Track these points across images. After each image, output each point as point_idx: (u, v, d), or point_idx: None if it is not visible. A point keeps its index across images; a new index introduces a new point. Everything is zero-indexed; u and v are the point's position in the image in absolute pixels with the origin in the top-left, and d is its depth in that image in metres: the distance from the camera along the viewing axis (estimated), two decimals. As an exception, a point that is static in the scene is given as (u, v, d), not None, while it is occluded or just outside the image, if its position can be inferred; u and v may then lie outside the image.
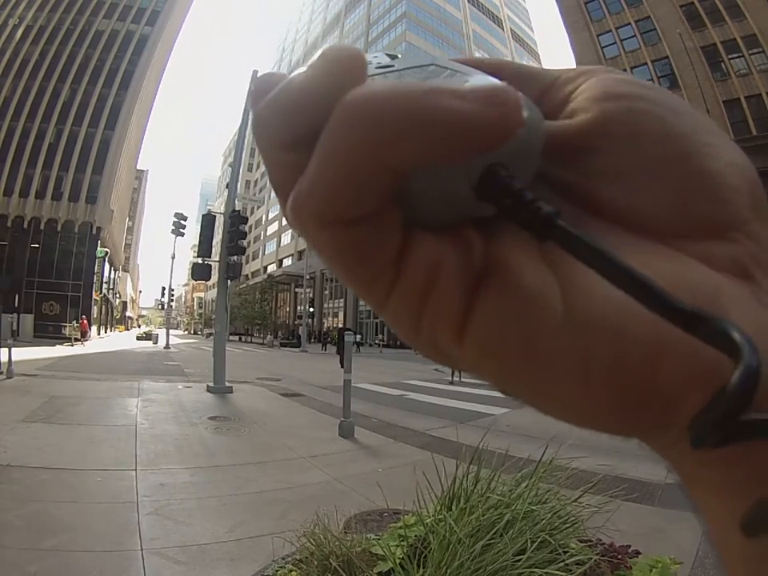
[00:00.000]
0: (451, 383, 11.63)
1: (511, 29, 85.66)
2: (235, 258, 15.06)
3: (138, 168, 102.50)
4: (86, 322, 37.01)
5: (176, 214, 24.25)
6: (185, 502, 5.10)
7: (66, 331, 35.10)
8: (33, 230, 47.96)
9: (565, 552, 2.54)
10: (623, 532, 2.95)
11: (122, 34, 55.43)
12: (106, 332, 66.72)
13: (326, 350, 41.43)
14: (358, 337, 38.56)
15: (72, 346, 31.25)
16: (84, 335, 35.94)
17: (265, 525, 4.39)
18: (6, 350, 14.06)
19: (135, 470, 6.03)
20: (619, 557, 2.70)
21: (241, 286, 75.43)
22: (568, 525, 2.79)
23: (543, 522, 2.66)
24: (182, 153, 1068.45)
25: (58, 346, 30.63)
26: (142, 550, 3.91)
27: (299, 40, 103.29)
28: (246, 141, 17.09)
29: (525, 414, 11.95)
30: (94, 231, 49.75)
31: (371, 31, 72.49)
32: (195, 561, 3.83)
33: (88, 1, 55.14)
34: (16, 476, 5.55)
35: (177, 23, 70.61)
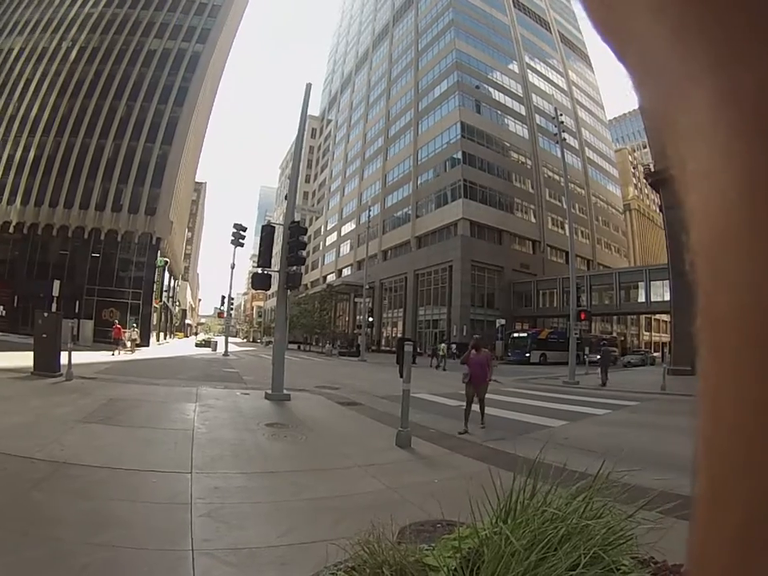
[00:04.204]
0: (465, 432, 10.80)
1: (559, 31, 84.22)
2: (295, 267, 15.21)
3: (196, 180, 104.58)
4: (119, 327, 33.21)
5: (235, 225, 24.64)
6: (238, 505, 5.16)
7: (125, 336, 34.39)
8: (93, 240, 49.34)
9: (617, 569, 2.50)
10: (677, 551, 2.87)
11: (174, 52, 56.65)
12: (165, 339, 68.02)
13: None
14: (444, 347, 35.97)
15: (113, 355, 29.41)
16: (118, 342, 32.18)
17: (317, 531, 4.40)
18: (67, 353, 14.54)
19: (191, 472, 6.13)
20: (671, 575, 2.64)
21: (300, 296, 76.05)
22: (622, 541, 2.74)
23: (597, 537, 2.63)
24: (240, 165, 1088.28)
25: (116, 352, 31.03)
26: (192, 550, 3.97)
27: (350, 51, 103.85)
28: (303, 152, 17.26)
29: (583, 427, 11.77)
30: (154, 242, 50.81)
31: (420, 41, 72.40)
32: (245, 563, 3.87)
33: (138, 22, 56.84)
34: (72, 473, 5.71)
35: (228, 38, 71.81)
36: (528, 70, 71.37)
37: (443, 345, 37.32)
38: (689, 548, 0.32)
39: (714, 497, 0.30)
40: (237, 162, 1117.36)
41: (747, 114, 0.27)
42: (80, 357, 18.19)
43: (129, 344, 33.49)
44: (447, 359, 35.05)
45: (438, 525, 4.18)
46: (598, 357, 28.95)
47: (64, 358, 14.59)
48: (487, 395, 10.94)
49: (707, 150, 0.30)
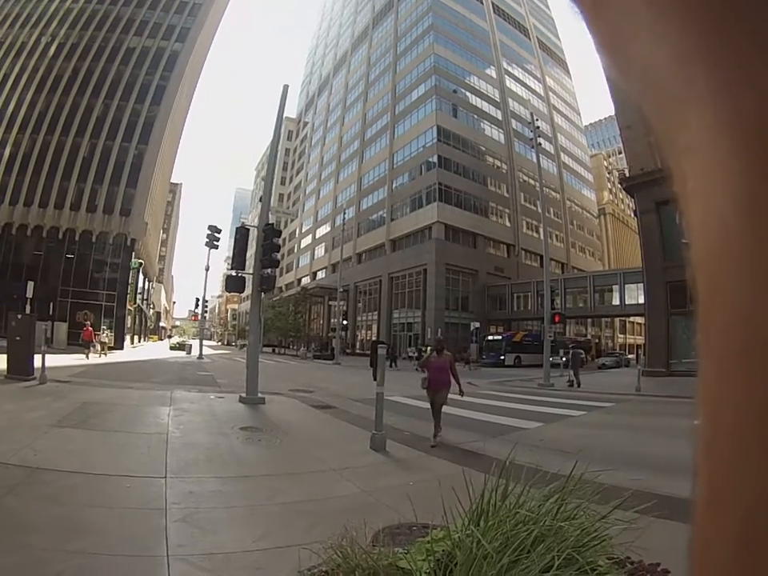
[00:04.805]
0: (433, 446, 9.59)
1: (538, 38, 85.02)
2: (269, 270, 15.14)
3: (171, 181, 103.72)
4: (90, 328, 30.76)
5: (210, 227, 24.35)
6: (213, 510, 5.12)
7: (99, 339, 33.30)
8: (68, 241, 48.70)
9: (593, 570, 2.49)
10: (653, 550, 2.88)
11: (153, 50, 56.25)
12: (139, 341, 67.34)
13: (395, 365, 37.42)
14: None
15: (87, 358, 28.24)
16: (88, 345, 30.06)
17: (293, 536, 4.38)
18: (40, 356, 14.31)
19: (165, 477, 6.08)
20: (648, 575, 2.64)
21: (275, 299, 75.81)
22: (596, 542, 2.74)
23: (571, 538, 2.62)
24: (216, 166, 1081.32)
25: (95, 355, 30.36)
26: (167, 556, 3.93)
27: (328, 54, 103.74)
28: (278, 154, 17.20)
29: (558, 428, 11.83)
30: (129, 243, 50.30)
31: (399, 44, 72.61)
32: (220, 569, 3.84)
33: (118, 19, 56.30)
34: (46, 478, 5.63)
35: (207, 38, 71.41)
36: (505, 75, 71.95)
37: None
38: (690, 550, 0.32)
39: (714, 499, 0.30)
40: (212, 163, 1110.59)
41: (749, 133, 0.28)
42: (54, 360, 17.97)
43: (98, 347, 32.31)
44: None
45: (414, 527, 4.17)
46: (563, 359, 29.49)
47: (38, 361, 14.37)
48: (462, 398, 10.49)
49: (707, 168, 0.30)
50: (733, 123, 0.28)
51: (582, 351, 25.60)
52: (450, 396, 9.93)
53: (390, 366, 35.63)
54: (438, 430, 9.56)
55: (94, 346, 30.80)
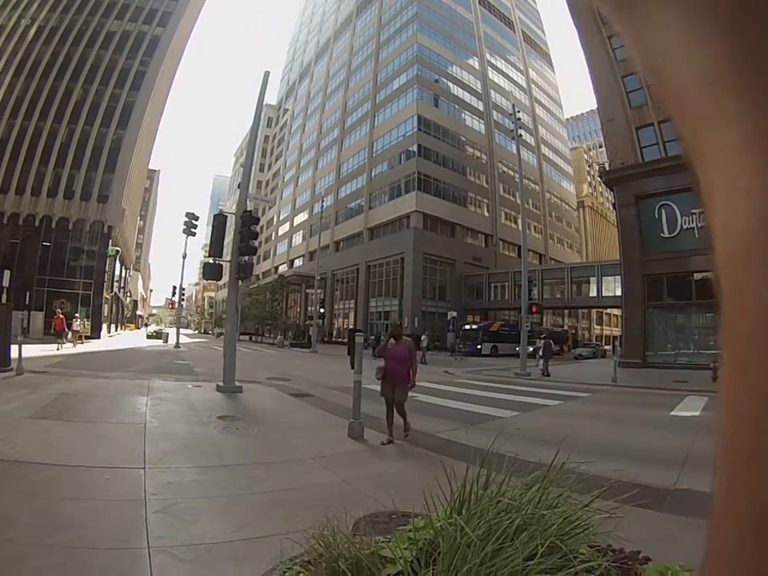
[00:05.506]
0: (390, 442, 8.52)
1: (522, 31, 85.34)
2: (246, 258, 15.05)
3: (149, 168, 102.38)
4: (61, 316, 28.98)
5: (187, 214, 24.09)
6: (193, 500, 5.08)
7: (72, 328, 32.23)
8: (44, 229, 47.76)
9: (575, 558, 2.51)
10: (633, 538, 2.90)
11: (134, 34, 55.37)
12: (116, 330, 66.67)
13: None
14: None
15: (58, 349, 26.28)
16: (60, 334, 28.48)
17: (272, 525, 4.36)
18: (17, 346, 14.11)
19: (144, 468, 6.01)
20: (629, 563, 2.66)
21: (252, 286, 75.43)
22: (579, 530, 2.76)
23: (554, 527, 2.63)
24: (194, 153, 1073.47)
25: (68, 345, 29.68)
26: (148, 548, 3.89)
27: (311, 41, 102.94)
28: (257, 141, 17.06)
29: (535, 417, 11.91)
30: (106, 230, 49.62)
31: (382, 33, 72.31)
32: (202, 560, 3.81)
33: (99, 2, 55.15)
34: (24, 472, 5.56)
35: (189, 23, 70.41)
36: (488, 67, 72.02)
37: (425, 336, 35.11)
38: (708, 540, 0.32)
39: (732, 492, 0.31)
40: (191, 149, 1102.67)
41: None
42: (30, 350, 17.75)
43: (70, 335, 30.65)
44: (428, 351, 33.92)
45: (394, 516, 4.17)
46: (531, 348, 30.02)
47: (14, 351, 14.22)
48: (440, 386, 10.27)
49: (734, 183, 0.31)
50: (761, 143, 0.29)
51: (551, 342, 26.34)
52: (428, 386, 9.90)
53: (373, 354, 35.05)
54: (398, 427, 8.57)
55: (66, 335, 29.79)
